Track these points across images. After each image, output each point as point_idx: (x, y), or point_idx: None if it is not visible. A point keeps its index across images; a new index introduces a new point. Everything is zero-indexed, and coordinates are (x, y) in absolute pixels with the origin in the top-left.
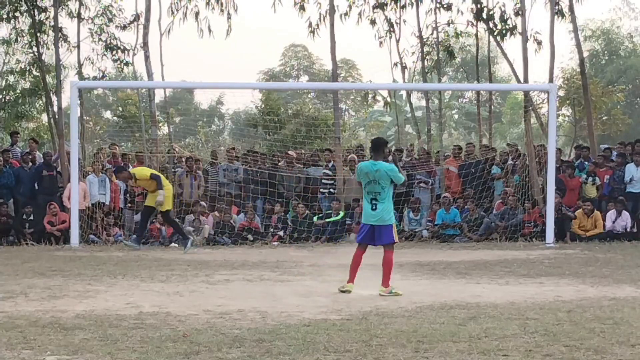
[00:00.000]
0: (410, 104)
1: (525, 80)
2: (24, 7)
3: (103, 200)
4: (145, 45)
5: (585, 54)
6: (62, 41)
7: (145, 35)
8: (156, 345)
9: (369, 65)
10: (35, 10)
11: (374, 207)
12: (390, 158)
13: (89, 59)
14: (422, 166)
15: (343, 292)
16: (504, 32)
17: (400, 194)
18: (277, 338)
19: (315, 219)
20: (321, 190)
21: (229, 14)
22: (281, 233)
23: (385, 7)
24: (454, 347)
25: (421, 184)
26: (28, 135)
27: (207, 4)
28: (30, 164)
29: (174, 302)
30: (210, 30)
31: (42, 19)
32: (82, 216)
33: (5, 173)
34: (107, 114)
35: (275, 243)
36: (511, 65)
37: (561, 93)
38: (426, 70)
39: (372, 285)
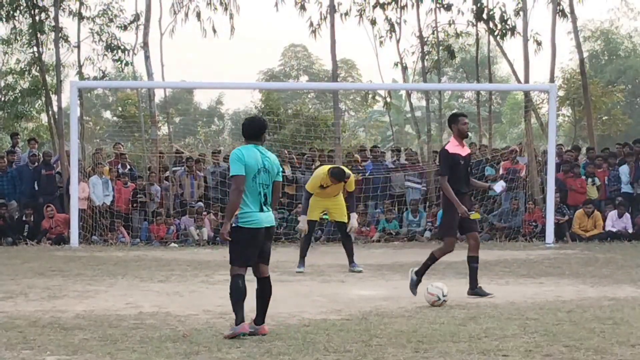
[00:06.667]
0: (410, 104)
1: (526, 81)
2: (24, 7)
3: (107, 201)
4: (145, 45)
5: (585, 54)
6: (63, 41)
7: (146, 35)
8: (156, 346)
9: (369, 66)
10: (35, 10)
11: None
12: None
13: (89, 59)
14: (414, 167)
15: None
16: (504, 32)
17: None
18: (276, 338)
19: None
20: None
21: (231, 14)
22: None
23: (385, 7)
24: (454, 347)
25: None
26: (27, 135)
27: (209, 4)
28: (36, 164)
29: (174, 302)
30: (214, 31)
31: (42, 19)
32: (84, 216)
33: (9, 173)
34: (107, 114)
35: None
36: (511, 65)
37: (561, 93)
38: (426, 71)
39: (371, 285)
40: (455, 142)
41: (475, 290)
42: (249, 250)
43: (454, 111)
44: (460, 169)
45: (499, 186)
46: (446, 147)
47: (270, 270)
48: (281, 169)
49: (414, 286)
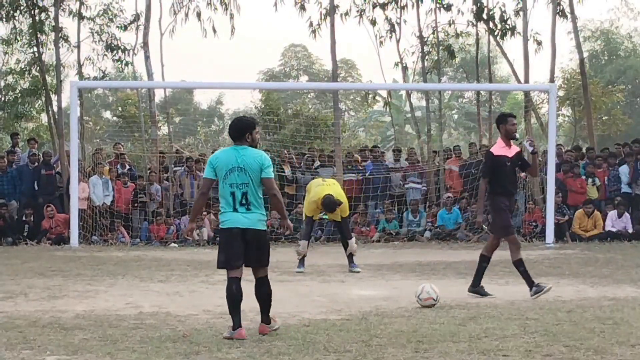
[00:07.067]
0: (410, 104)
1: (526, 81)
2: (24, 7)
3: (107, 201)
4: (145, 45)
5: (585, 54)
6: (63, 41)
7: (146, 35)
8: (156, 346)
9: (369, 65)
10: (35, 10)
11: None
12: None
13: (89, 59)
14: (414, 167)
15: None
16: (504, 32)
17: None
18: (276, 338)
19: None
20: None
21: (231, 14)
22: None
23: (385, 7)
24: (454, 347)
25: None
26: (27, 136)
27: (209, 4)
28: (36, 164)
29: (174, 302)
30: (215, 31)
31: (42, 19)
32: (84, 216)
33: (9, 173)
34: (107, 114)
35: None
36: (511, 65)
37: (561, 93)
38: (426, 71)
39: (371, 285)
40: (502, 144)
41: (476, 288)
42: (227, 252)
43: (502, 111)
44: (506, 171)
45: (528, 145)
46: (491, 150)
47: (270, 270)
48: (269, 165)
49: (542, 291)
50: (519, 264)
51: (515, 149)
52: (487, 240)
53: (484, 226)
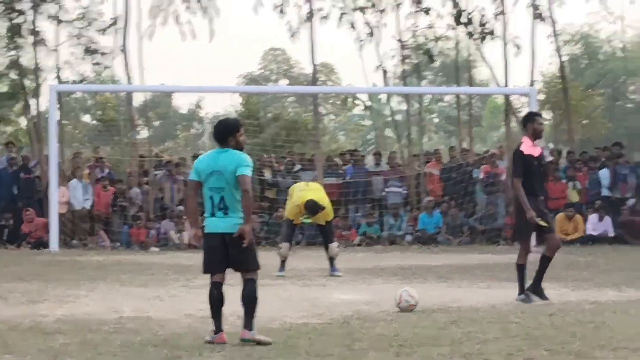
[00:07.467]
0: (390, 107)
1: (506, 84)
2: (1, 10)
3: (86, 205)
4: (124, 48)
5: (565, 58)
6: (41, 45)
7: (124, 38)
8: (137, 350)
9: (351, 68)
10: (13, 13)
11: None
12: None
13: (68, 63)
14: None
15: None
16: (483, 36)
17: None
18: None
19: None
20: None
21: (210, 17)
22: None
23: (365, 11)
24: (436, 351)
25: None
26: (5, 139)
27: (188, 7)
28: (15, 167)
29: (155, 307)
30: (194, 35)
31: (19, 22)
32: (63, 220)
33: None
34: (86, 118)
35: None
36: (491, 69)
37: (541, 97)
38: (406, 74)
39: (353, 289)
40: (529, 142)
41: (536, 290)
42: (207, 257)
43: (529, 110)
44: (534, 170)
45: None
46: (520, 148)
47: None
48: (245, 165)
49: (528, 302)
50: (520, 268)
51: (539, 148)
52: (469, 244)
53: (537, 219)
